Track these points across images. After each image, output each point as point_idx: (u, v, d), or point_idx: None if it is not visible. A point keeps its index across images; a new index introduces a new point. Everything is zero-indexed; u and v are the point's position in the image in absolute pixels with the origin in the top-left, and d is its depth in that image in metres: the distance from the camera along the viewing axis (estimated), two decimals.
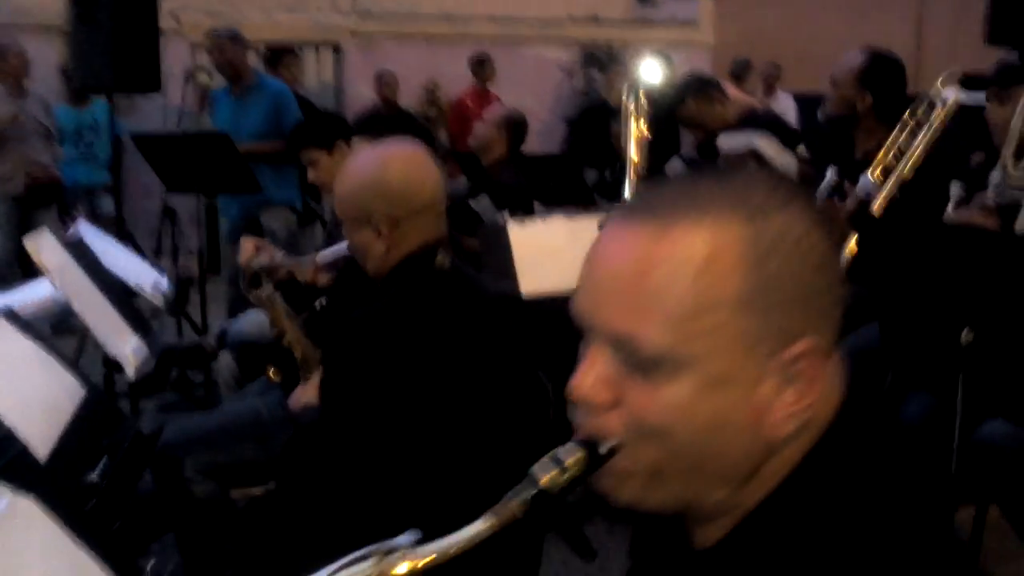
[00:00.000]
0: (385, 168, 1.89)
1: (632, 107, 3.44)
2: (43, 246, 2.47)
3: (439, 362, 1.79)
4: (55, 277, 2.42)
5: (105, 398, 2.24)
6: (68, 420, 2.00)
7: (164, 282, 3.31)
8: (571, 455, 0.81)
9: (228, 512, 2.56)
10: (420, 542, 0.79)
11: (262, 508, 2.29)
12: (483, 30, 8.62)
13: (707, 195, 0.80)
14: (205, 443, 2.54)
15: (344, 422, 1.80)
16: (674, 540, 0.92)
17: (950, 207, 2.59)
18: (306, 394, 2.08)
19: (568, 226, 3.22)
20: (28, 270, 3.15)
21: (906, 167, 2.89)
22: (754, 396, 0.79)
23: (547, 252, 3.12)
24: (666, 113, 4.18)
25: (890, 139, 2.97)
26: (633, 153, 3.40)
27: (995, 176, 2.60)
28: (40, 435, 1.80)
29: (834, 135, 3.24)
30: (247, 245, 2.71)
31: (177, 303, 3.17)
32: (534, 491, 0.80)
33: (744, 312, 0.77)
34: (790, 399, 0.79)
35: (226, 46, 4.83)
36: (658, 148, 4.44)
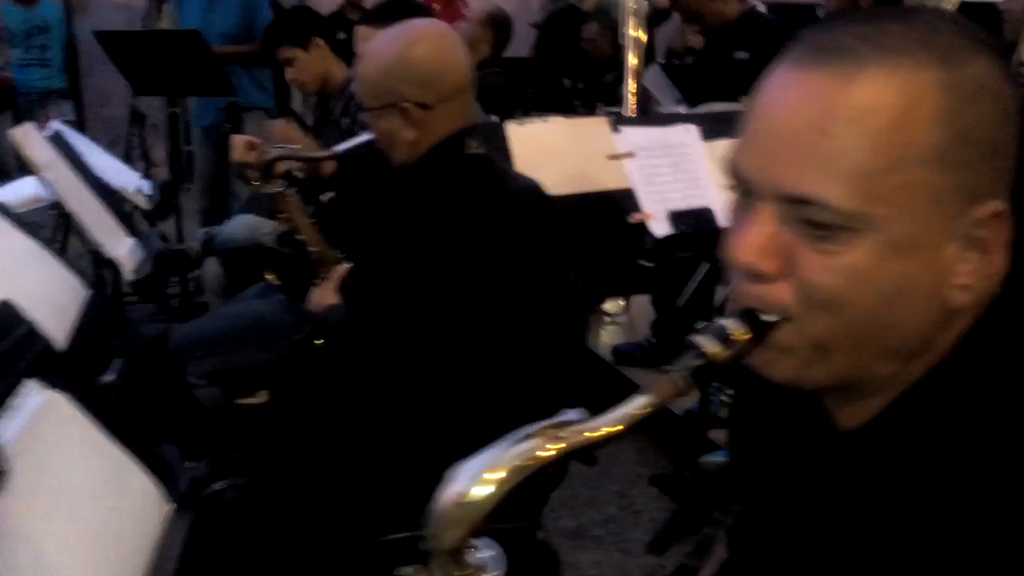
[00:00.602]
0: (412, 49, 1.75)
1: (632, 7, 3.33)
2: (29, 141, 2.33)
3: (477, 250, 1.71)
4: (46, 173, 2.28)
5: (107, 299, 2.15)
6: (75, 320, 1.91)
7: (146, 185, 3.17)
8: (736, 326, 0.74)
9: (233, 418, 2.50)
10: (587, 418, 0.73)
11: (274, 412, 2.23)
12: None
13: (895, 37, 0.71)
14: (207, 348, 2.46)
15: (382, 312, 1.72)
16: (810, 426, 0.86)
17: None
18: (326, 294, 1.99)
19: (569, 128, 3.11)
20: None
21: None
22: (937, 262, 0.72)
23: (548, 154, 3.02)
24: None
25: None
26: (631, 56, 3.31)
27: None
28: (56, 333, 1.72)
29: None
30: (239, 142, 2.59)
31: (162, 207, 3.04)
32: (700, 362, 0.74)
33: (936, 169, 0.70)
34: (971, 267, 0.73)
35: None
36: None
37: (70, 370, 1.63)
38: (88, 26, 5.99)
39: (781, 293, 0.74)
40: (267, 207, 4.54)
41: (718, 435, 2.94)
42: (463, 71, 1.80)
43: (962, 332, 0.76)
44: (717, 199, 2.53)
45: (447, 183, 1.77)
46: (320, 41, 3.11)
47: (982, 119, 0.71)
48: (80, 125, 4.96)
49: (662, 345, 3.50)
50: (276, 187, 2.02)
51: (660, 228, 2.44)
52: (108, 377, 1.82)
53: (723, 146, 2.67)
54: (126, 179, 3.02)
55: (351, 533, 1.84)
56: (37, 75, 6.14)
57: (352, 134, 3.13)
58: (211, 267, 3.26)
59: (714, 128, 2.63)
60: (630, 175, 2.48)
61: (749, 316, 0.75)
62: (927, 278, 0.72)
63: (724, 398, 3.02)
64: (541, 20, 8.10)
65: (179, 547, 1.37)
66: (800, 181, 0.71)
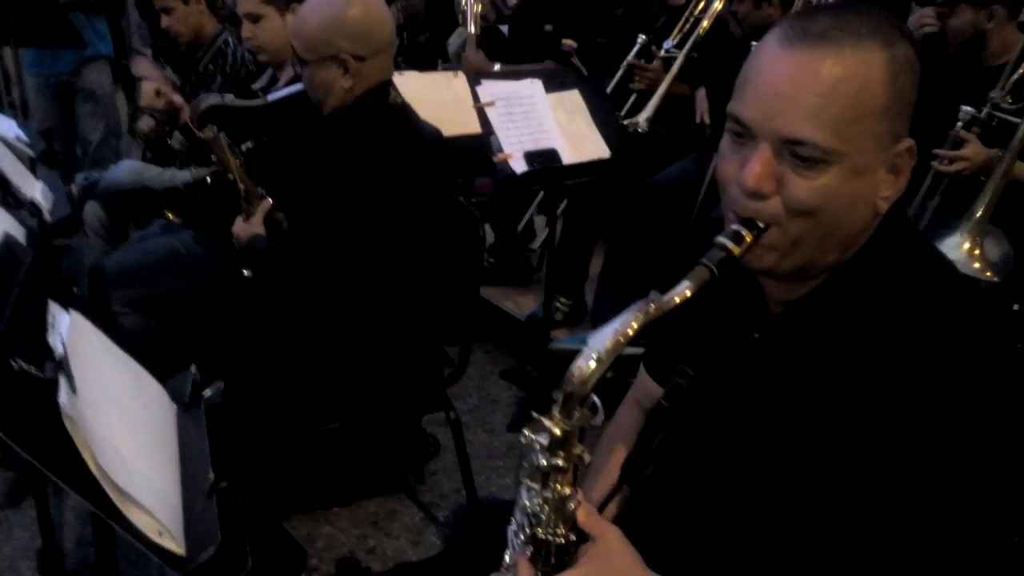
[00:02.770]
0: (349, 9, 1.82)
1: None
2: None
3: (402, 182, 1.82)
4: None
5: (42, 235, 2.03)
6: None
7: (22, 133, 2.91)
8: (745, 230, 0.91)
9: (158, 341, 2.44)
10: (660, 297, 0.88)
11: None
12: None
13: (856, 25, 0.89)
14: (127, 278, 2.38)
15: (322, 233, 1.79)
16: (753, 306, 1.04)
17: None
18: (252, 226, 2.01)
19: (423, 80, 3.18)
20: None
21: (699, 33, 3.22)
22: (874, 182, 0.92)
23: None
24: None
25: (687, 13, 3.26)
26: (472, 26, 3.43)
27: None
28: None
29: (637, 10, 3.47)
30: (148, 88, 2.49)
31: (48, 153, 2.80)
32: (723, 255, 0.90)
33: (882, 118, 0.89)
34: (890, 184, 0.93)
35: None
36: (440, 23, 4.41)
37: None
38: None
39: (773, 207, 0.91)
40: (114, 155, 4.27)
41: (557, 334, 3.20)
42: (390, 29, 1.89)
43: (874, 230, 0.97)
44: (560, 141, 2.72)
45: (377, 127, 1.85)
46: None
47: (908, 82, 0.91)
48: None
49: (501, 264, 3.69)
50: (208, 133, 2.00)
51: (518, 166, 2.59)
52: None
53: (559, 97, 2.87)
54: (5, 128, 2.76)
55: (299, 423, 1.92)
56: None
57: (212, 81, 3.06)
58: (92, 210, 3.08)
59: (553, 83, 2.82)
60: (492, 121, 2.61)
61: (749, 223, 0.92)
62: (868, 193, 0.92)
63: (559, 305, 3.28)
64: None
65: (205, 440, 1.40)
66: (797, 128, 0.88)
